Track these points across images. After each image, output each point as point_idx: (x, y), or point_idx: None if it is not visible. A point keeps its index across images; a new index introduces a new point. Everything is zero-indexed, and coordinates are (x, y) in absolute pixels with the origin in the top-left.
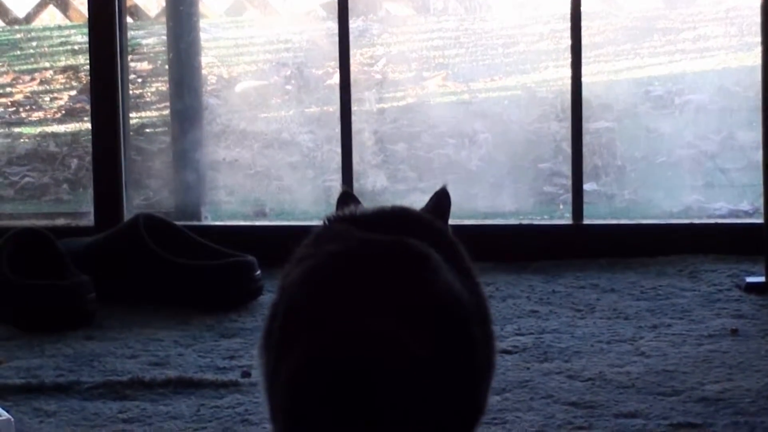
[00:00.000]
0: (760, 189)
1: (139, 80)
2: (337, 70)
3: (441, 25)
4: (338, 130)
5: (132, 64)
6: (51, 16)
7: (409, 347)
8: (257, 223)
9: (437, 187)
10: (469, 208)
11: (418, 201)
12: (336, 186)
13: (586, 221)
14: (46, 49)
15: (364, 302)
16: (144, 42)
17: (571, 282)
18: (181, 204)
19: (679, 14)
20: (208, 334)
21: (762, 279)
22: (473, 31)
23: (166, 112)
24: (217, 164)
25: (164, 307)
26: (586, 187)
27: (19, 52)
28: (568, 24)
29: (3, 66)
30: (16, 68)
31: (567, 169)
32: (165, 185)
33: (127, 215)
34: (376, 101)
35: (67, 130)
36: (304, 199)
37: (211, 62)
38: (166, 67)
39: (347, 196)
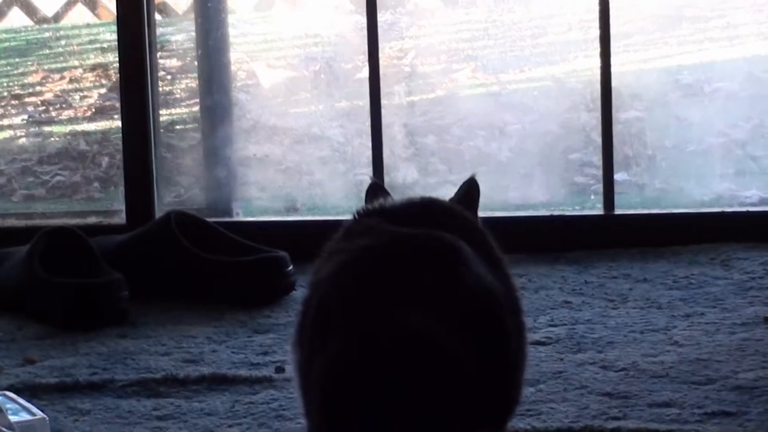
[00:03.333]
0: None
1: (169, 77)
2: (366, 64)
3: (469, 16)
4: (368, 123)
5: (161, 61)
6: (79, 14)
7: (442, 341)
8: (289, 219)
9: None
10: (500, 200)
11: (448, 193)
12: (367, 180)
13: (617, 211)
14: (75, 47)
15: (396, 297)
16: (173, 39)
17: (604, 272)
18: (212, 200)
19: (707, 2)
20: (241, 330)
21: None
22: (502, 23)
23: (196, 108)
24: (247, 160)
25: (197, 304)
26: (617, 177)
27: (48, 51)
28: (597, 14)
29: (32, 65)
30: (46, 67)
31: (597, 159)
32: (196, 182)
33: (159, 212)
34: (406, 94)
35: (98, 128)
36: (336, 193)
37: (240, 58)
38: (195, 63)
39: (376, 188)
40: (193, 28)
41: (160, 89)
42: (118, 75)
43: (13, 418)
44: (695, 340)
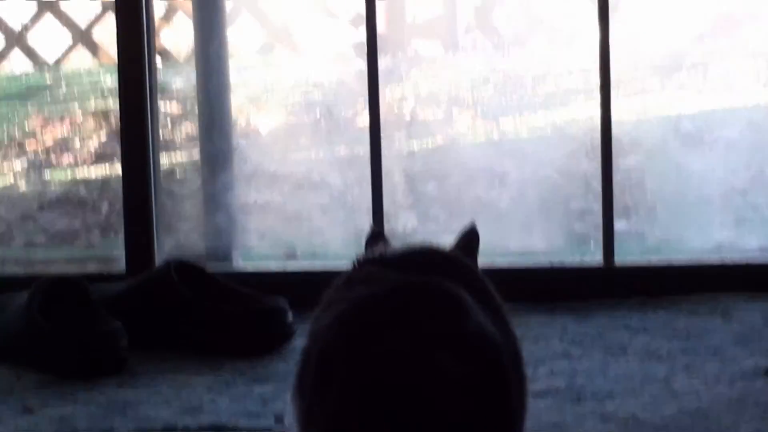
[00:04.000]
0: None
1: (169, 123)
2: (367, 111)
3: (470, 63)
4: (368, 171)
5: (162, 107)
6: (80, 59)
7: (443, 390)
8: (288, 266)
9: None
10: (500, 248)
11: (449, 241)
12: (367, 227)
13: (617, 260)
14: (76, 92)
15: (398, 346)
16: (173, 84)
17: (603, 322)
18: (212, 247)
19: (707, 50)
20: (241, 379)
21: None
22: (502, 70)
23: (197, 154)
24: (247, 207)
25: (196, 353)
26: (617, 225)
27: (48, 96)
28: (597, 61)
29: (33, 110)
30: (46, 112)
31: (597, 207)
32: (196, 229)
33: (159, 259)
34: (406, 141)
35: (98, 174)
36: (335, 241)
37: (241, 103)
38: (196, 109)
39: (376, 235)
40: (194, 73)
41: (161, 135)
42: (119, 120)
43: None
44: (695, 391)
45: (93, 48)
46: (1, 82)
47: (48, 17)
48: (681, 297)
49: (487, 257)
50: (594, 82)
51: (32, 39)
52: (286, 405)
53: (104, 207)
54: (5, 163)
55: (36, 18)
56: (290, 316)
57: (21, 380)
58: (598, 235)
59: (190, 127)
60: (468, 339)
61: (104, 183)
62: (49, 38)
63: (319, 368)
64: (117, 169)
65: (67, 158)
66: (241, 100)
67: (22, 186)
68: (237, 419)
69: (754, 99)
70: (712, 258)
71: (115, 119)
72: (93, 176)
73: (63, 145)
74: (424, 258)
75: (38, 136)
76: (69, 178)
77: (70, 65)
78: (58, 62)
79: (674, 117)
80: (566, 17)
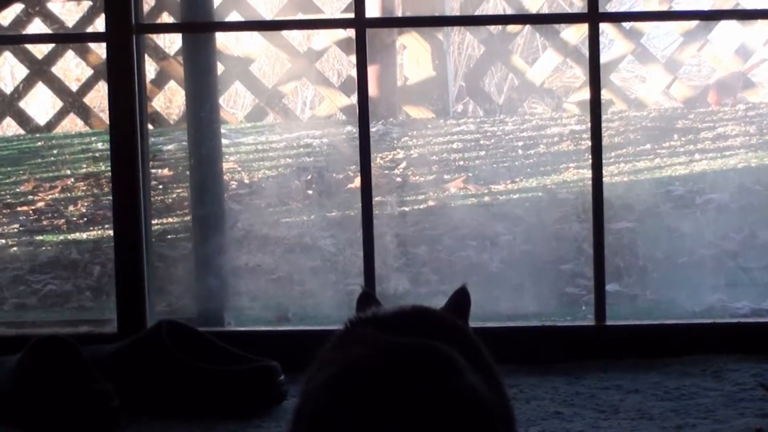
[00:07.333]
0: None
1: (161, 186)
2: (358, 174)
3: (461, 128)
4: (360, 233)
5: (153, 171)
6: (72, 123)
7: None
8: (280, 328)
9: None
10: (492, 310)
11: (440, 304)
12: (358, 290)
13: (608, 322)
14: (68, 156)
15: (390, 407)
16: (165, 148)
17: (595, 383)
18: (203, 310)
19: (698, 114)
20: None
21: None
22: (493, 134)
23: (188, 217)
24: (239, 270)
25: (188, 414)
26: (609, 287)
27: (40, 160)
28: (588, 125)
29: (24, 174)
30: (38, 176)
31: (589, 270)
32: (187, 291)
33: (150, 321)
34: (398, 204)
35: (89, 237)
36: (327, 303)
37: (232, 167)
38: (188, 173)
39: (367, 297)
40: (186, 137)
41: (153, 198)
42: (111, 184)
43: None
44: None
45: (85, 113)
46: None
47: (40, 84)
48: (673, 358)
49: (478, 320)
50: (585, 146)
51: (24, 104)
52: None
53: (96, 269)
54: None
55: (28, 83)
56: (282, 376)
57: None
58: (590, 297)
59: (181, 191)
60: (460, 400)
61: (96, 246)
62: (41, 103)
63: (312, 428)
64: (109, 232)
65: (58, 221)
66: (233, 164)
67: (14, 248)
68: None
69: (744, 162)
70: (704, 319)
71: (106, 183)
72: (85, 239)
73: (55, 208)
74: (416, 319)
75: (30, 199)
76: (61, 240)
77: (61, 129)
78: (50, 126)
79: (665, 180)
80: (558, 81)
